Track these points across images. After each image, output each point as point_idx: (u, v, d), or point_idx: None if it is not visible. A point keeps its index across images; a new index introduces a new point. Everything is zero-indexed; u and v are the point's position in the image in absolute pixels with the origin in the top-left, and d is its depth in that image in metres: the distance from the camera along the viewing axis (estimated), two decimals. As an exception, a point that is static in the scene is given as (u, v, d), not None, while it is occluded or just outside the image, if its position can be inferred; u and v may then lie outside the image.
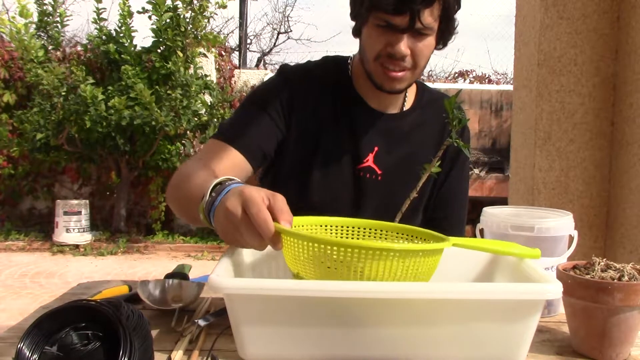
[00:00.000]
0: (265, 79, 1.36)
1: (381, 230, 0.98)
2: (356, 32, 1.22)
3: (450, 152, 1.31)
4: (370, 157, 1.27)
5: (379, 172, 1.27)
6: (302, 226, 0.94)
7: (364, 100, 1.28)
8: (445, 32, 1.18)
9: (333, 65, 1.32)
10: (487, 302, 0.76)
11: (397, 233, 0.97)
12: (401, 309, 0.75)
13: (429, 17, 1.10)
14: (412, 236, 0.96)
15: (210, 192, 0.90)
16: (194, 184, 1.03)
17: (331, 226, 0.98)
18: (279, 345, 0.76)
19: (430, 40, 1.16)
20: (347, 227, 0.98)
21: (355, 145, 1.26)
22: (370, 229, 0.98)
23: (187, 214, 1.08)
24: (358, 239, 0.98)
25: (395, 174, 1.28)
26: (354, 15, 1.20)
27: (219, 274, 0.77)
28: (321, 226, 0.97)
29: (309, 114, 1.26)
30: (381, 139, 1.28)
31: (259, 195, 0.80)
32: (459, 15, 1.19)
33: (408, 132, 1.30)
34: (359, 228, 0.98)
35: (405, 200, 1.07)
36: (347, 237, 0.98)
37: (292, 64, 1.35)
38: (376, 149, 1.27)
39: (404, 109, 1.31)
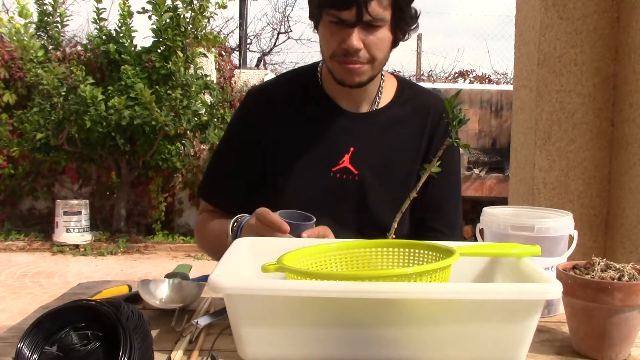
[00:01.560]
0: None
1: (385, 248, 0.94)
2: (316, 31, 1.24)
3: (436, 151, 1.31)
4: (346, 158, 1.27)
5: (355, 172, 1.27)
6: (303, 258, 0.91)
7: (335, 101, 1.29)
8: (400, 22, 1.18)
9: (302, 72, 1.36)
10: (488, 303, 0.76)
11: (403, 249, 0.94)
12: (402, 309, 0.75)
13: (378, 8, 1.11)
14: (418, 251, 0.93)
15: (232, 224, 1.18)
16: (213, 233, 1.31)
17: (334, 252, 0.94)
18: (278, 345, 0.76)
19: (384, 31, 1.16)
20: (351, 250, 0.94)
21: (330, 147, 1.27)
22: (373, 249, 0.95)
23: (215, 249, 1.28)
24: (363, 261, 0.94)
25: (372, 174, 1.27)
26: (310, 15, 1.23)
27: (219, 274, 0.77)
28: (323, 254, 0.93)
29: (282, 126, 1.29)
30: (356, 139, 1.28)
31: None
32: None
33: (384, 130, 1.30)
34: (363, 249, 0.95)
35: (403, 200, 1.07)
36: (352, 263, 0.94)
37: (259, 85, 1.43)
38: (352, 149, 1.27)
39: (378, 107, 1.31)
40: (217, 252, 1.23)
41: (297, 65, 1.48)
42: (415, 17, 1.21)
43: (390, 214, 1.27)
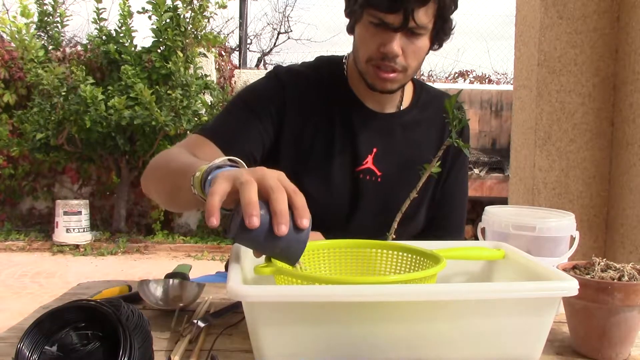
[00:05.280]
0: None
1: (372, 249, 0.95)
2: (350, 30, 1.20)
3: (452, 152, 1.31)
4: (370, 158, 1.25)
5: (379, 173, 1.26)
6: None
7: (360, 100, 1.27)
8: (440, 33, 1.16)
9: (327, 65, 1.30)
10: (505, 301, 0.76)
11: (389, 251, 0.94)
12: (424, 310, 0.75)
13: (424, 17, 1.09)
14: (404, 254, 0.93)
15: (220, 162, 0.84)
16: (185, 162, 0.96)
17: (321, 251, 0.94)
18: (298, 349, 0.75)
19: (424, 40, 1.14)
20: (336, 249, 0.94)
21: (354, 146, 1.25)
22: (360, 249, 0.95)
23: (170, 190, 1.01)
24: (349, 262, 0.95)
25: (395, 175, 1.27)
26: (348, 12, 1.19)
27: (235, 280, 0.75)
28: (311, 252, 0.93)
29: (304, 117, 1.24)
30: (380, 140, 1.26)
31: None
32: (458, 16, 1.18)
33: (406, 132, 1.29)
34: (350, 249, 0.95)
35: (405, 200, 1.07)
36: (340, 263, 0.94)
37: (285, 65, 1.32)
38: (375, 150, 1.26)
39: (401, 108, 1.30)
40: (173, 185, 0.97)
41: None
42: (452, 28, 1.18)
43: (413, 215, 1.27)
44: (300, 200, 0.74)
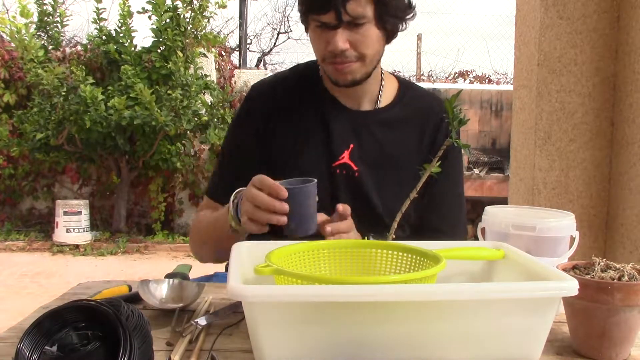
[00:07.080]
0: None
1: (372, 249, 0.95)
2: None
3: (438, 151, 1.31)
4: (346, 154, 1.28)
5: (355, 168, 1.28)
6: (291, 255, 0.91)
7: (337, 98, 1.31)
8: (385, 16, 1.17)
9: (303, 69, 1.37)
10: (505, 301, 0.76)
11: (389, 251, 0.95)
12: (424, 310, 0.75)
13: (357, 7, 1.12)
14: (404, 254, 0.94)
15: (232, 197, 1.12)
16: (211, 216, 1.27)
17: (321, 250, 0.95)
18: (298, 349, 0.75)
19: (369, 27, 1.16)
20: (336, 249, 0.95)
21: (330, 142, 1.28)
22: (360, 249, 0.96)
23: (213, 242, 1.26)
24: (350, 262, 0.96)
25: (372, 171, 1.28)
26: (301, 21, 1.26)
27: (235, 280, 0.76)
28: (308, 252, 0.94)
29: (284, 124, 1.30)
30: (356, 136, 1.29)
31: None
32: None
33: (385, 129, 1.31)
34: (350, 249, 0.95)
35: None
36: (339, 263, 0.95)
37: (259, 80, 1.41)
38: (352, 146, 1.28)
39: (380, 106, 1.32)
40: (211, 237, 1.24)
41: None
42: (405, 8, 1.20)
43: (388, 212, 1.27)
44: None
